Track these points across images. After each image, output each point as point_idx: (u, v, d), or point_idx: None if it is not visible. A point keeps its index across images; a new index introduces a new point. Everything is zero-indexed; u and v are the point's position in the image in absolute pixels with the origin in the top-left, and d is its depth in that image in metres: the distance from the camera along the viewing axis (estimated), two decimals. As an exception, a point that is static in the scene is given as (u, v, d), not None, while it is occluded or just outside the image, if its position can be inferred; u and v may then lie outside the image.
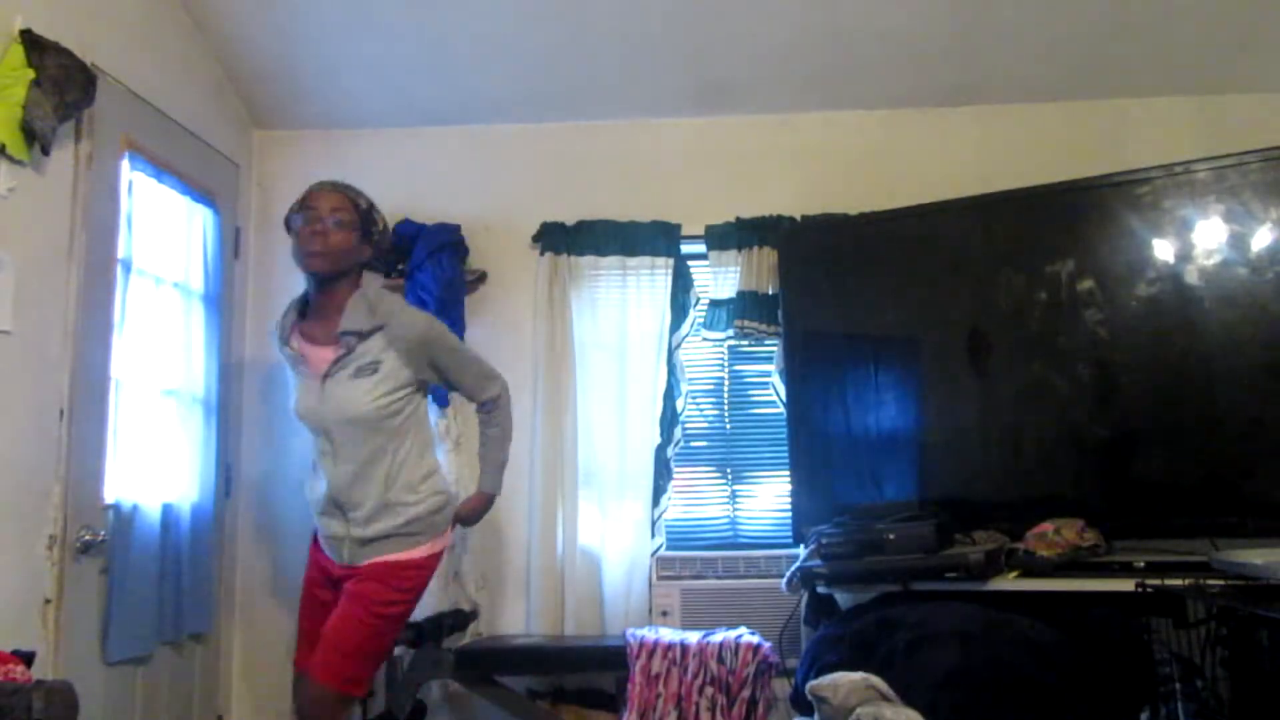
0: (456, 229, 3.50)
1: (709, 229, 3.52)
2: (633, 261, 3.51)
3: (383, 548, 2.36)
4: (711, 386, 3.61)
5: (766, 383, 3.50)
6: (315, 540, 2.54)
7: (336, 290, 2.41)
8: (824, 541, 2.78)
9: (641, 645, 2.97)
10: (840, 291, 3.28)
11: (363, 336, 2.37)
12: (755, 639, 2.98)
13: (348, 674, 2.28)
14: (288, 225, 2.45)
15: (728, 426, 3.61)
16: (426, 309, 3.35)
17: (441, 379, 2.52)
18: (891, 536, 2.65)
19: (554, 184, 3.63)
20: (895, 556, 2.63)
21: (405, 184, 3.64)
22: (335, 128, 3.69)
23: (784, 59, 3.40)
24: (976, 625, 2.38)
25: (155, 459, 2.88)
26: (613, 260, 3.52)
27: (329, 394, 2.36)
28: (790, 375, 3.33)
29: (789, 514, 3.30)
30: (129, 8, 2.91)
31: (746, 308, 3.41)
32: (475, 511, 2.60)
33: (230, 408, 3.40)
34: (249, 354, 3.58)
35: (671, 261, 3.50)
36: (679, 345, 3.51)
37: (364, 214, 2.42)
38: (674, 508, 3.49)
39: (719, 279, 3.50)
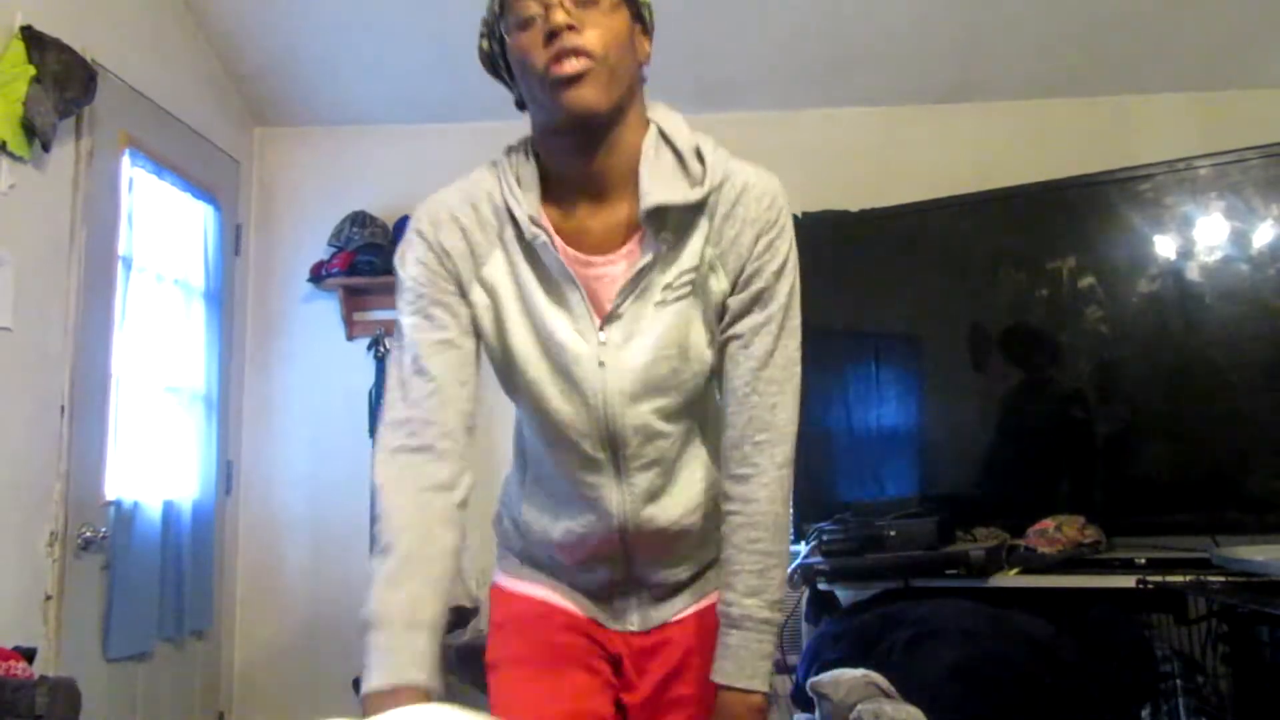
0: (457, 226, 3.48)
1: (710, 226, 3.51)
2: (633, 258, 3.48)
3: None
4: (712, 383, 3.60)
5: (767, 380, 3.49)
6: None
7: (619, 138, 1.27)
8: (825, 538, 2.78)
9: (642, 642, 2.96)
10: (841, 288, 3.27)
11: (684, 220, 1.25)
12: (756, 636, 2.97)
13: None
14: (491, 60, 1.30)
15: (728, 423, 3.59)
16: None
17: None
18: (892, 533, 2.64)
19: (555, 181, 3.62)
20: (896, 553, 2.62)
21: (407, 181, 3.63)
22: (336, 124, 3.68)
23: (784, 56, 3.40)
24: (978, 622, 2.38)
25: (156, 456, 2.89)
26: (613, 257, 3.50)
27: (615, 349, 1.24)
28: (791, 372, 3.31)
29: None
30: (129, 4, 2.91)
31: (747, 305, 3.40)
32: None
33: (231, 404, 3.40)
34: (249, 351, 3.58)
35: (672, 258, 3.47)
36: (680, 342, 3.48)
37: None
38: (675, 505, 3.47)
39: (720, 276, 3.48)
